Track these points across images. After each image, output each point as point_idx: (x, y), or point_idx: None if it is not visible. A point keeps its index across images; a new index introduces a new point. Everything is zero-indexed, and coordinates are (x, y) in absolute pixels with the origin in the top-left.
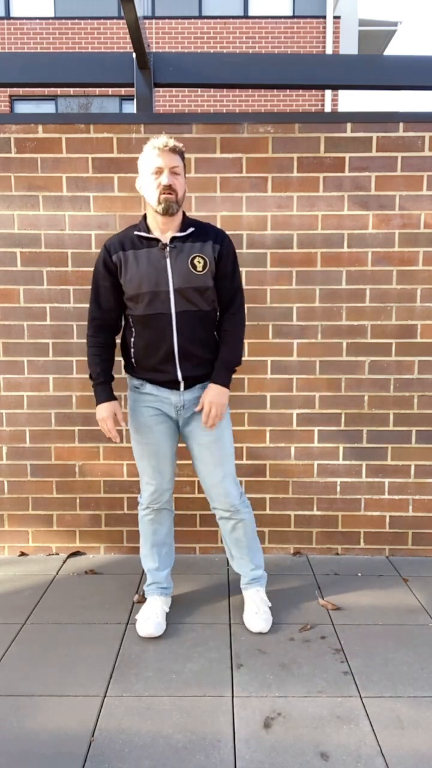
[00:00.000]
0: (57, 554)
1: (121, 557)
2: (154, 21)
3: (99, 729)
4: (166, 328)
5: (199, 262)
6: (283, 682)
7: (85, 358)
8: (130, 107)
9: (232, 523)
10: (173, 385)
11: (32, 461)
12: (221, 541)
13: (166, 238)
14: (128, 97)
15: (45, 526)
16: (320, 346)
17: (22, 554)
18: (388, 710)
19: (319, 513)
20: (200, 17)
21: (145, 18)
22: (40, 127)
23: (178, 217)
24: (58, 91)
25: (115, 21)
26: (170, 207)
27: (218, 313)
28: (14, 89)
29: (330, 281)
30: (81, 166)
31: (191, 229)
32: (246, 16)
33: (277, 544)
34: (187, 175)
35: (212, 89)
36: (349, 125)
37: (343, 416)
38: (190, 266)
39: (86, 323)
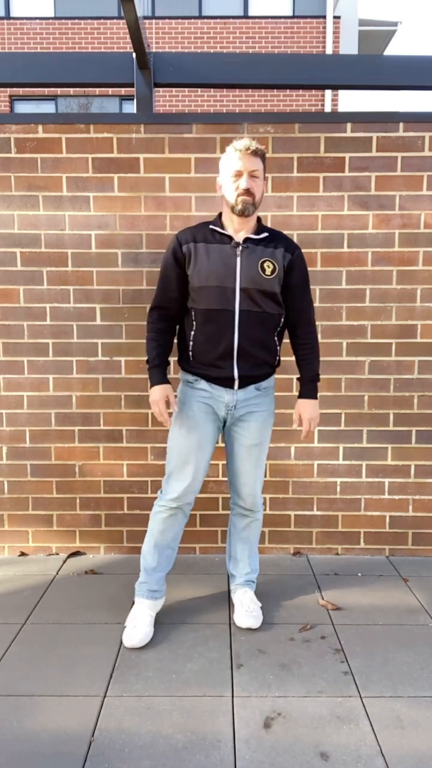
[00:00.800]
0: (57, 554)
1: (121, 557)
2: (154, 21)
3: (99, 729)
4: (228, 324)
5: (268, 266)
6: (283, 682)
7: (86, 358)
8: (130, 107)
9: (248, 521)
10: (228, 383)
11: (32, 461)
12: (221, 541)
13: (239, 238)
14: (128, 97)
15: (45, 526)
16: (320, 346)
17: (22, 554)
18: (388, 710)
19: (319, 513)
20: (200, 17)
21: (145, 18)
22: (40, 127)
23: (253, 220)
24: (58, 91)
25: (115, 21)
26: (247, 209)
27: (282, 319)
28: (14, 89)
29: (330, 281)
30: (81, 166)
31: (265, 234)
32: (246, 16)
33: (277, 544)
34: (187, 176)
35: (212, 89)
36: (349, 125)
37: (343, 416)
38: (259, 268)
39: (147, 307)
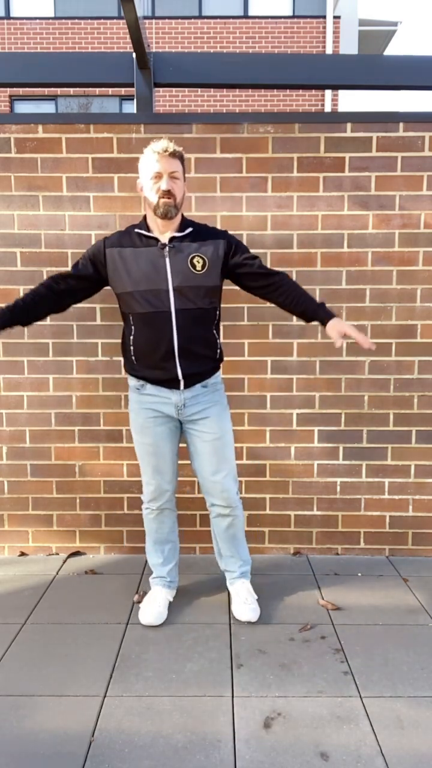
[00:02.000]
0: (57, 554)
1: (121, 557)
2: (154, 21)
3: (99, 729)
4: (166, 325)
5: (198, 261)
6: (283, 682)
7: (86, 358)
8: (130, 107)
9: (229, 520)
10: (173, 384)
11: (32, 461)
12: None
13: (165, 239)
14: (128, 97)
15: (45, 526)
16: (320, 346)
17: (22, 554)
18: (388, 710)
19: (319, 513)
20: (200, 17)
21: (145, 18)
22: (40, 127)
23: (177, 219)
24: (58, 91)
25: (115, 21)
26: (169, 211)
27: (217, 312)
28: (14, 89)
29: (330, 281)
30: (81, 166)
31: (189, 229)
32: (246, 16)
33: (277, 544)
34: (187, 176)
35: (212, 89)
36: (349, 125)
37: (343, 416)
38: (189, 265)
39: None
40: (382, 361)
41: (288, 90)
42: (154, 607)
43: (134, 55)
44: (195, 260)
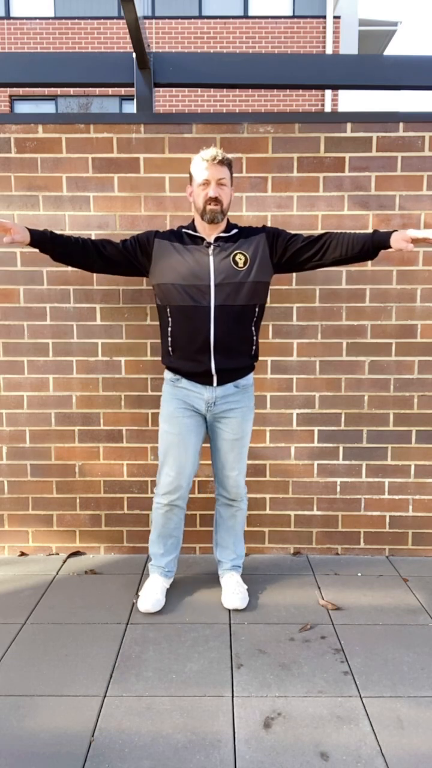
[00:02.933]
0: (57, 554)
1: (121, 557)
2: (154, 21)
3: (99, 729)
4: (204, 319)
5: (240, 258)
6: (283, 682)
7: (86, 358)
8: (130, 107)
9: (233, 511)
10: (207, 379)
11: (32, 461)
12: None
13: (211, 239)
14: (128, 97)
15: (45, 526)
16: (320, 346)
17: (22, 554)
18: (388, 710)
19: (319, 513)
20: (200, 17)
21: (145, 18)
22: (40, 127)
23: (223, 224)
24: (58, 91)
25: (115, 21)
26: (215, 217)
27: (257, 309)
28: (14, 89)
29: (330, 281)
30: (81, 166)
31: (235, 231)
32: (246, 16)
33: (277, 544)
34: (186, 175)
35: (212, 89)
36: (349, 125)
37: (343, 416)
38: (231, 263)
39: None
40: (382, 361)
41: (288, 90)
42: (152, 594)
43: (134, 55)
44: (237, 257)
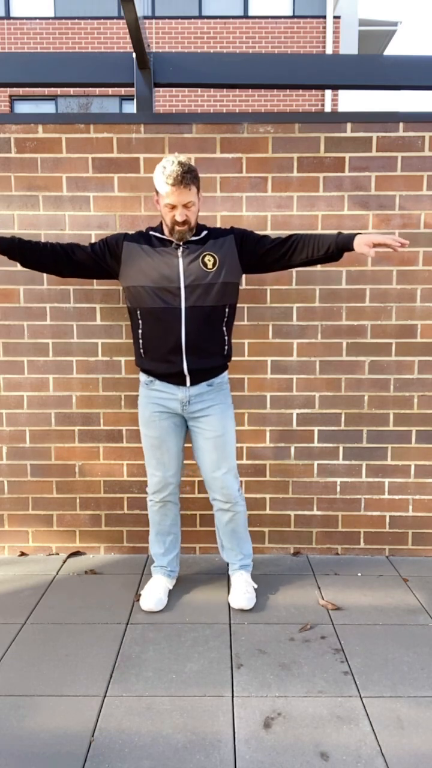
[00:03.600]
0: (57, 554)
1: (121, 557)
2: (154, 21)
3: (99, 729)
4: (175, 321)
5: (209, 259)
6: (283, 682)
7: (86, 358)
8: (130, 107)
9: (230, 515)
10: (180, 380)
11: (32, 461)
12: None
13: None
14: (128, 97)
15: (45, 526)
16: (320, 346)
17: (22, 554)
18: (388, 710)
19: (319, 513)
20: (200, 17)
21: (145, 18)
22: (40, 127)
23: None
24: (58, 91)
25: (115, 21)
26: (183, 237)
27: (227, 309)
28: (14, 89)
29: (330, 281)
30: (81, 166)
31: (204, 233)
32: (246, 16)
33: (277, 544)
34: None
35: (212, 89)
36: (349, 125)
37: (343, 416)
38: (200, 264)
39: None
40: (382, 361)
41: (288, 90)
42: (154, 594)
43: (134, 55)
44: (206, 259)
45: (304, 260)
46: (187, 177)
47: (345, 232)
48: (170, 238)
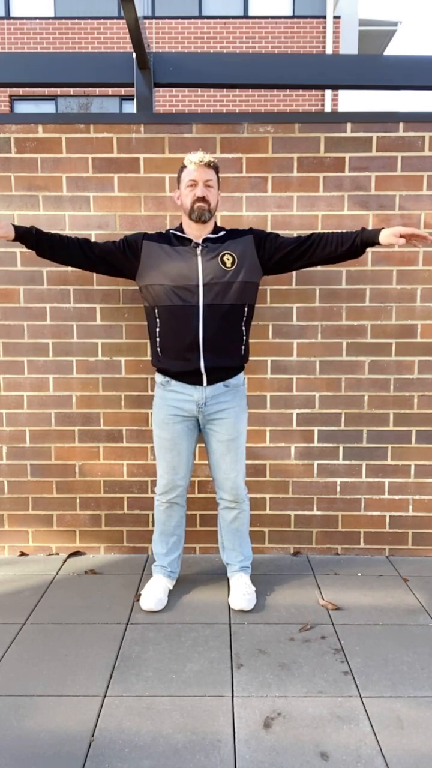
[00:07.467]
0: (57, 554)
1: (121, 557)
2: (154, 21)
3: (99, 729)
4: (193, 318)
5: (228, 258)
6: (283, 682)
7: (86, 358)
8: (130, 107)
9: (235, 513)
10: (196, 379)
11: (32, 461)
12: None
13: (198, 240)
14: (128, 97)
15: (45, 526)
16: (320, 346)
17: (22, 554)
18: (388, 710)
19: (319, 513)
20: (200, 17)
21: (145, 18)
22: (40, 127)
23: (211, 225)
24: (58, 91)
25: (115, 21)
26: (203, 214)
27: (246, 309)
28: (14, 89)
29: (330, 281)
30: (81, 166)
31: (223, 232)
32: (246, 16)
33: (277, 544)
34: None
35: (212, 89)
36: (349, 125)
37: (343, 416)
38: (219, 263)
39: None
40: (382, 361)
41: (288, 90)
42: (154, 593)
43: (134, 55)
44: (225, 257)
45: (327, 256)
46: (210, 161)
47: (369, 228)
48: (189, 237)
